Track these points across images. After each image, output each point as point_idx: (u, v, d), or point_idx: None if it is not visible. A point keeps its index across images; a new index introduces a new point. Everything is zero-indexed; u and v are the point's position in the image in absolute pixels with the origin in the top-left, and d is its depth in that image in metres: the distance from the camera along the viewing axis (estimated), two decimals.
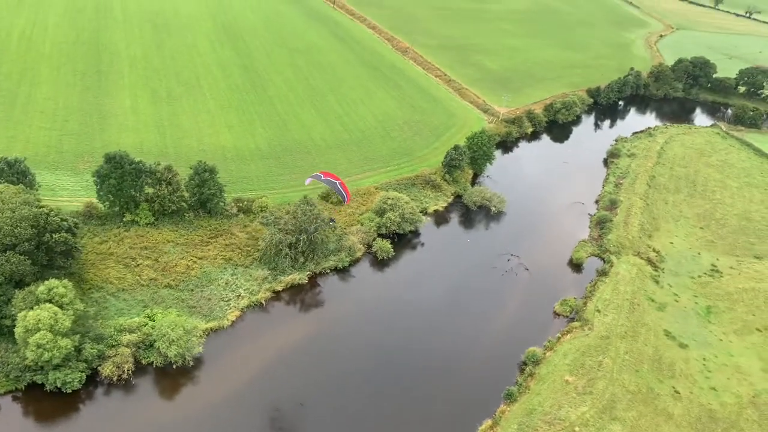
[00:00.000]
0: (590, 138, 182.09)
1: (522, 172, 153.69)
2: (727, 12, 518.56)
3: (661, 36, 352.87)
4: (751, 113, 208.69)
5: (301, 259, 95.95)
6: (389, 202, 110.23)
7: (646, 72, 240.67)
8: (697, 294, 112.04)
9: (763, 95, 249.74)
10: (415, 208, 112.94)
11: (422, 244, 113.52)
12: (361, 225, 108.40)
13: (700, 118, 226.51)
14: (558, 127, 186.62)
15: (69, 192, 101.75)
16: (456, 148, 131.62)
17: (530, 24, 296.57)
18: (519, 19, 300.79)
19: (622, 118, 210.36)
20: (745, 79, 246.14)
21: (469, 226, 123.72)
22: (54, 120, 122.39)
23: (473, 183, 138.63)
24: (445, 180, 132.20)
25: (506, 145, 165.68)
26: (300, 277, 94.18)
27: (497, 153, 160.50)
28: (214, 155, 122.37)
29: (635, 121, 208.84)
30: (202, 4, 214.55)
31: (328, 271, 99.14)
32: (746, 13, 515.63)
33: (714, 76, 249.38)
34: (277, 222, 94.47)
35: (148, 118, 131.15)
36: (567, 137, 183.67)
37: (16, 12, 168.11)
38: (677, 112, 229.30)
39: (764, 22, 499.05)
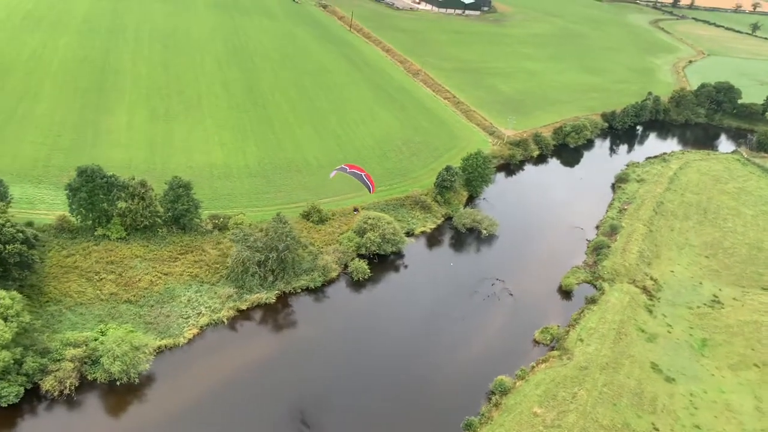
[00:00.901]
0: (601, 162, 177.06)
1: (522, 196, 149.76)
2: (765, 38, 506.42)
3: (690, 62, 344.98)
4: None
5: (271, 278, 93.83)
6: (369, 221, 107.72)
7: (667, 97, 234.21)
8: (693, 325, 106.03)
9: None
10: (397, 228, 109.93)
11: (404, 266, 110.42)
12: (339, 245, 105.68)
13: (724, 145, 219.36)
14: (568, 151, 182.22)
15: (47, 205, 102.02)
16: (448, 168, 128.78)
17: (551, 48, 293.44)
18: (540, 43, 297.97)
19: (638, 143, 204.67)
20: None
21: (455, 249, 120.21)
22: (47, 135, 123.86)
23: (468, 205, 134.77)
24: (437, 201, 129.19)
25: (509, 167, 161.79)
26: (267, 296, 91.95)
27: (500, 176, 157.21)
28: (201, 172, 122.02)
29: (652, 146, 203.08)
30: (216, 27, 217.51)
31: (300, 290, 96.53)
32: None
33: (739, 101, 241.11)
34: (246, 239, 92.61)
35: (142, 135, 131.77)
36: (577, 161, 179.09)
37: (31, 32, 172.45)
38: (699, 138, 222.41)
39: None
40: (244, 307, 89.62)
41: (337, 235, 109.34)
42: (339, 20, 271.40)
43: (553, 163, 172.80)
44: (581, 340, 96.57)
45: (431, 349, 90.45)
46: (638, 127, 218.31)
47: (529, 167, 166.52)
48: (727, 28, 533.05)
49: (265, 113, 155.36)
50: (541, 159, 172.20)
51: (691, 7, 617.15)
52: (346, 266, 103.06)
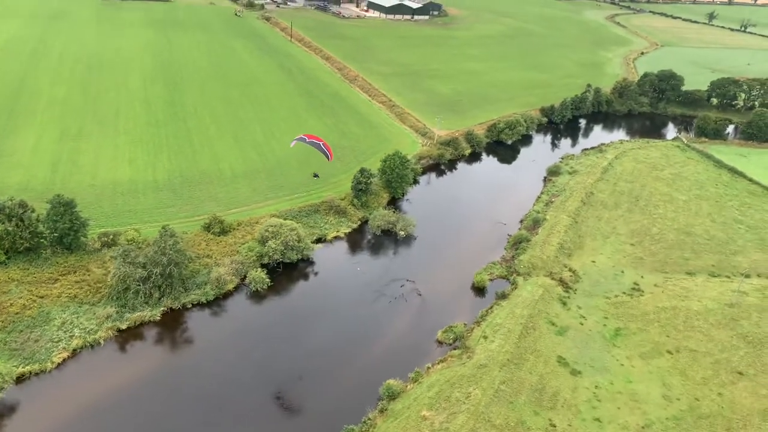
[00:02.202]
0: (537, 157, 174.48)
1: (449, 194, 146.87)
2: (722, 27, 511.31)
3: (642, 53, 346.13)
4: (714, 124, 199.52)
5: (157, 294, 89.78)
6: (271, 229, 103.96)
7: (610, 88, 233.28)
8: (608, 315, 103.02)
9: (738, 106, 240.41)
10: (301, 235, 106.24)
11: (314, 273, 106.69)
12: (238, 255, 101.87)
13: (669, 133, 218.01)
14: (504, 148, 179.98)
15: None
16: (362, 171, 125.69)
17: (498, 47, 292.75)
18: (487, 44, 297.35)
19: (579, 136, 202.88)
20: (717, 90, 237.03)
21: (369, 252, 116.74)
22: None
23: (390, 207, 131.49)
24: (353, 205, 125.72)
25: (439, 167, 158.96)
26: (152, 313, 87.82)
27: (430, 176, 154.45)
28: (104, 189, 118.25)
29: (593, 138, 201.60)
30: (148, 45, 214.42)
31: (191, 305, 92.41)
32: (741, 27, 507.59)
33: (683, 88, 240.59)
34: (127, 255, 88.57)
35: (47, 156, 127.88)
36: (512, 157, 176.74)
37: None
38: (642, 127, 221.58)
39: (759, 35, 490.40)
40: (124, 327, 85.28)
41: (240, 245, 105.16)
42: (281, 31, 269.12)
43: (487, 160, 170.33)
44: (485, 337, 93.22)
45: (326, 357, 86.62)
46: (580, 120, 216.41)
47: (461, 165, 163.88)
48: (684, 19, 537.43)
49: (185, 127, 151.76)
50: (474, 157, 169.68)
51: (649, 0, 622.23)
52: (244, 277, 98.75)
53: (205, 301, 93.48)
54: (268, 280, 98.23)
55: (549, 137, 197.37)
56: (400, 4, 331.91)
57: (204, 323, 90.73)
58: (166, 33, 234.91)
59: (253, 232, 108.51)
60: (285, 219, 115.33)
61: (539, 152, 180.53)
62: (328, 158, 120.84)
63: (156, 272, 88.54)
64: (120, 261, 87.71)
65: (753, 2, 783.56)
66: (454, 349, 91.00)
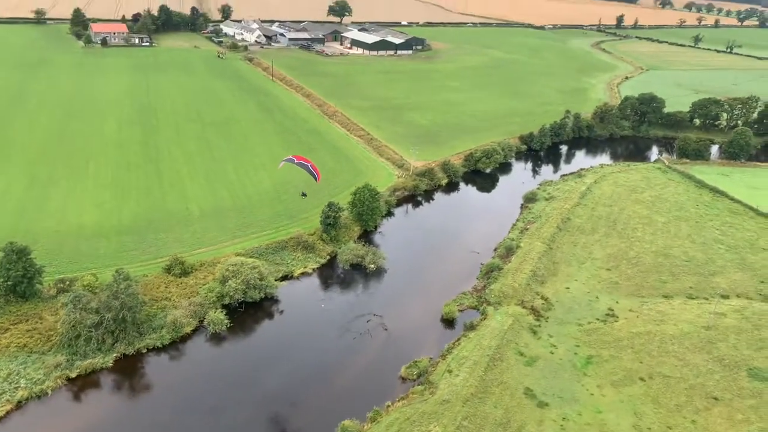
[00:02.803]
0: (515, 184, 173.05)
1: (423, 225, 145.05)
2: (708, 49, 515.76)
3: (626, 78, 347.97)
4: (695, 144, 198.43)
5: (110, 340, 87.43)
6: (231, 268, 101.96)
7: (590, 113, 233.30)
8: (579, 343, 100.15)
9: (721, 126, 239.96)
10: (264, 272, 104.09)
11: (274, 312, 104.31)
12: (197, 296, 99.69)
13: (651, 155, 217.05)
14: (482, 176, 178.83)
15: None
16: (330, 205, 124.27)
17: (479, 78, 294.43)
18: (468, 75, 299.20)
19: (558, 162, 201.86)
20: (699, 111, 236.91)
21: (336, 288, 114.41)
22: None
23: (362, 240, 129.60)
24: (323, 240, 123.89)
25: (415, 198, 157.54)
26: (103, 360, 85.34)
27: (405, 207, 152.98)
28: (68, 235, 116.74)
29: (574, 163, 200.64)
30: (127, 89, 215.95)
31: (145, 350, 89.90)
32: (727, 48, 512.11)
33: (665, 110, 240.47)
34: (78, 300, 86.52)
35: (13, 203, 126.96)
36: (491, 186, 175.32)
37: None
38: (625, 150, 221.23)
39: (746, 55, 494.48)
40: (74, 375, 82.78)
41: (201, 286, 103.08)
42: (263, 71, 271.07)
43: (464, 189, 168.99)
44: (449, 372, 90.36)
45: (283, 400, 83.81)
46: (561, 147, 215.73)
47: (437, 196, 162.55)
48: (671, 43, 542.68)
49: (157, 168, 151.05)
50: (451, 187, 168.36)
51: (635, 26, 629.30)
52: (202, 319, 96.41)
53: (160, 346, 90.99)
54: (226, 321, 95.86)
55: (529, 164, 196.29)
56: (382, 41, 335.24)
57: (158, 369, 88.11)
58: (147, 77, 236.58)
59: (214, 272, 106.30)
60: (251, 257, 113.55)
61: (518, 179, 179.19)
62: (315, 179, 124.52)
63: (108, 317, 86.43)
64: (70, 307, 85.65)
65: (739, 24, 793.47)
66: (418, 384, 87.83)
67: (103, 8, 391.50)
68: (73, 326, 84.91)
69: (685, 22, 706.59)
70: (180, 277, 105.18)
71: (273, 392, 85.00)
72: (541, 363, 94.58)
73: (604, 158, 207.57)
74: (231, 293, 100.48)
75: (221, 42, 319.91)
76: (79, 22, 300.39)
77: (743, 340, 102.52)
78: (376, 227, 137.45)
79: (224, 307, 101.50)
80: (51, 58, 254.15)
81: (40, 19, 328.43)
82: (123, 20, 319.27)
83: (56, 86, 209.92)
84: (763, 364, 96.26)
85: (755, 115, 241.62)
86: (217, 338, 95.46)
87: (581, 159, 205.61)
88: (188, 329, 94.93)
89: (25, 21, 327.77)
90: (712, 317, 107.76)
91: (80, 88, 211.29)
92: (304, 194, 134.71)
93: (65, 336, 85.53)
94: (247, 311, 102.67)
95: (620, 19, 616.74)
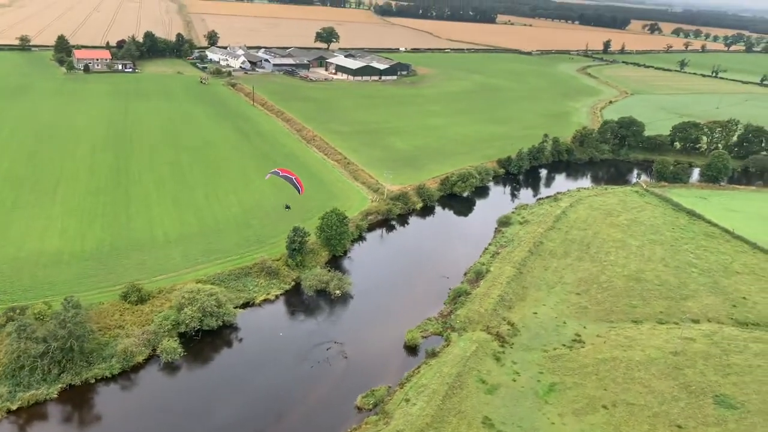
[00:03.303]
0: (490, 209, 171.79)
1: (394, 250, 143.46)
2: (694, 74, 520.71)
3: (610, 102, 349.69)
4: (673, 168, 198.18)
5: (56, 371, 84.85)
6: (187, 296, 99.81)
7: (570, 137, 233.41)
8: (543, 370, 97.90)
9: (702, 149, 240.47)
10: (221, 300, 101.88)
11: (232, 341, 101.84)
12: (151, 324, 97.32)
13: (631, 178, 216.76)
14: (458, 200, 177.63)
15: None
16: (295, 230, 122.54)
17: (461, 103, 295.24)
18: (451, 100, 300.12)
19: (536, 185, 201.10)
20: (679, 134, 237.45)
21: (298, 314, 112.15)
22: None
23: (331, 265, 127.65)
24: (288, 265, 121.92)
25: (388, 222, 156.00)
26: (48, 391, 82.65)
27: (379, 231, 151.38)
28: (26, 262, 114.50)
29: (552, 187, 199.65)
30: (104, 114, 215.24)
31: (93, 381, 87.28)
32: (712, 73, 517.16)
33: (646, 134, 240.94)
34: (23, 329, 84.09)
35: None
36: (468, 210, 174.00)
37: None
38: (604, 174, 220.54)
39: (730, 79, 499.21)
40: (15, 407, 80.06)
41: (157, 314, 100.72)
42: (245, 96, 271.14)
43: (439, 213, 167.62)
44: (407, 400, 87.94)
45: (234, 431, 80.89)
46: (540, 170, 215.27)
47: (411, 220, 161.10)
48: (657, 68, 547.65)
49: (126, 194, 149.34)
50: (426, 211, 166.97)
51: (622, 51, 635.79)
52: (155, 348, 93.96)
53: (109, 375, 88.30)
54: (180, 350, 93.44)
55: (506, 188, 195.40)
56: (366, 66, 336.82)
57: (106, 400, 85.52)
58: (127, 102, 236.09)
59: (171, 300, 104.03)
60: (212, 284, 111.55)
61: (494, 203, 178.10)
62: (299, 192, 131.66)
63: (55, 346, 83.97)
64: (14, 336, 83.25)
65: (726, 49, 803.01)
66: (374, 414, 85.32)
67: (90, 35, 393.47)
68: (17, 356, 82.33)
69: (671, 47, 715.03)
70: (136, 304, 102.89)
71: (223, 424, 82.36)
72: (503, 391, 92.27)
73: (583, 182, 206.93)
74: (187, 321, 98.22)
75: (205, 68, 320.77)
76: (63, 49, 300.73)
77: (711, 366, 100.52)
78: (345, 252, 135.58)
79: (180, 335, 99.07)
80: (31, 84, 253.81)
81: (24, 45, 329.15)
82: (107, 47, 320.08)
83: (33, 112, 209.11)
84: (729, 390, 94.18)
85: (735, 138, 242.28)
86: (170, 368, 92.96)
87: (559, 183, 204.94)
88: (140, 358, 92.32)
89: (9, 48, 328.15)
90: (681, 342, 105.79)
91: (57, 114, 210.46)
92: (287, 206, 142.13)
93: (8, 366, 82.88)
94: (204, 340, 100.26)
95: (607, 44, 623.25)
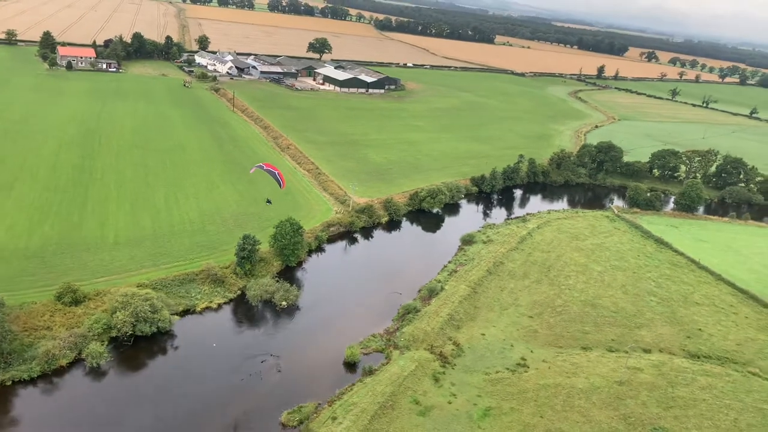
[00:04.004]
0: (457, 226, 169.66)
1: (351, 263, 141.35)
2: (684, 103, 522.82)
3: (596, 126, 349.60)
4: (647, 195, 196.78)
5: None
6: (120, 299, 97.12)
7: (547, 159, 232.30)
8: (482, 393, 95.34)
9: (680, 177, 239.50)
10: (156, 305, 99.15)
11: (165, 349, 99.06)
12: (80, 328, 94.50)
13: (605, 203, 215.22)
14: (426, 216, 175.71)
15: None
16: (245, 237, 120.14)
17: (445, 119, 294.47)
18: (435, 116, 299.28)
19: (509, 205, 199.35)
20: (657, 161, 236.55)
21: (238, 325, 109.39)
22: None
23: (283, 276, 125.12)
24: (236, 273, 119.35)
25: (350, 235, 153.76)
26: None
27: (340, 244, 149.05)
28: None
29: (524, 208, 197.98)
30: (78, 113, 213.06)
31: (9, 382, 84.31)
32: (703, 102, 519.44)
33: (625, 160, 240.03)
34: None
35: None
36: (435, 226, 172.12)
37: None
38: (578, 197, 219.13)
39: (720, 110, 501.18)
40: None
41: (89, 317, 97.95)
42: (227, 102, 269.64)
43: (404, 228, 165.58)
44: (333, 419, 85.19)
45: None
46: (515, 191, 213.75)
47: (375, 234, 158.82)
48: (649, 96, 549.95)
49: (84, 193, 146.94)
50: (391, 225, 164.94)
51: (616, 77, 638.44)
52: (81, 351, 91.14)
53: (28, 378, 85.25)
54: (106, 354, 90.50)
55: (478, 207, 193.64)
56: (354, 78, 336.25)
57: (19, 403, 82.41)
58: (103, 102, 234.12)
59: (107, 303, 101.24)
60: (154, 288, 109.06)
61: (463, 221, 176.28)
62: (280, 186, 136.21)
63: None
64: None
65: (720, 81, 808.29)
66: None
67: (82, 34, 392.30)
68: None
69: (666, 75, 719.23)
70: (70, 306, 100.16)
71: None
72: (436, 413, 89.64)
73: (556, 204, 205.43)
74: (119, 326, 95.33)
75: (191, 71, 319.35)
76: (48, 45, 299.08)
77: (654, 397, 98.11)
78: (300, 263, 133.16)
79: (112, 339, 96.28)
80: (9, 79, 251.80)
81: (11, 40, 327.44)
82: (94, 45, 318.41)
83: (5, 107, 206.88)
84: (669, 424, 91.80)
85: (713, 168, 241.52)
86: (95, 373, 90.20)
87: (532, 204, 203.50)
88: (64, 362, 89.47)
89: None
90: (627, 372, 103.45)
91: (29, 110, 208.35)
92: (269, 201, 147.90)
93: None
94: (137, 345, 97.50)
95: (601, 69, 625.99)
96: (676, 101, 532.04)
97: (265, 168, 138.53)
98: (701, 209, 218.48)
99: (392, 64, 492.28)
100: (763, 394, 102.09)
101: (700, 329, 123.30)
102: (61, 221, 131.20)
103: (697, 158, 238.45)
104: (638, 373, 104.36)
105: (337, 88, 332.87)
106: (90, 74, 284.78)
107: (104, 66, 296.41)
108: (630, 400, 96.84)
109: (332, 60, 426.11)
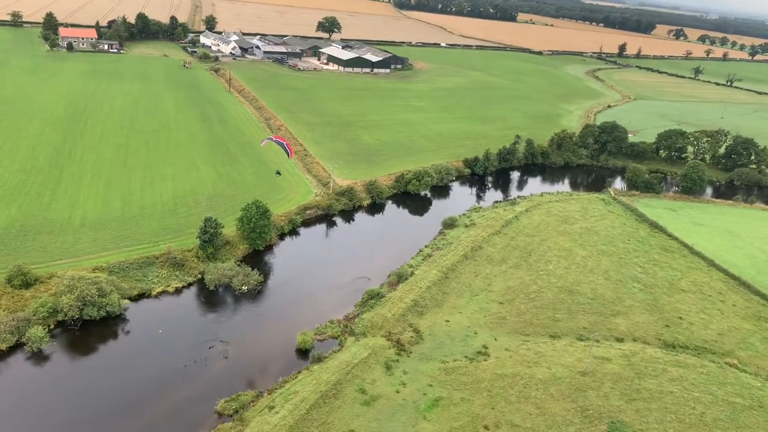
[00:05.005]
0: (443, 210, 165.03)
1: (324, 247, 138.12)
2: (708, 82, 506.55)
3: (609, 106, 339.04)
4: (646, 177, 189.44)
5: None
6: (67, 282, 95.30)
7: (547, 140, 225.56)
8: (433, 383, 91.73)
9: (688, 158, 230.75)
10: (105, 289, 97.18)
11: (111, 334, 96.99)
12: (26, 310, 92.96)
13: (605, 185, 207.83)
14: (412, 199, 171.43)
15: None
16: (207, 220, 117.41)
17: (449, 99, 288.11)
18: (438, 96, 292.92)
19: (500, 188, 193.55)
20: (663, 142, 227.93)
21: (193, 310, 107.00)
22: None
23: (252, 260, 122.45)
24: (198, 257, 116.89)
25: (328, 218, 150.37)
26: None
27: (316, 227, 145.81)
28: None
29: (516, 190, 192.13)
30: (69, 93, 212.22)
31: None
32: (727, 81, 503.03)
33: (629, 140, 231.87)
34: None
35: None
36: (417, 209, 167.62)
37: None
38: (578, 179, 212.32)
39: (745, 89, 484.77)
40: None
41: (36, 300, 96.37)
42: (225, 83, 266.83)
43: (386, 211, 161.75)
44: (271, 408, 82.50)
45: (78, 430, 76.16)
46: (512, 172, 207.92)
47: (357, 216, 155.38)
48: (670, 74, 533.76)
49: (59, 174, 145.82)
50: (373, 208, 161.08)
51: (638, 56, 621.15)
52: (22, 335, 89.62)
53: None
54: (47, 338, 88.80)
55: (469, 189, 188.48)
56: (358, 58, 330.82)
57: None
58: (98, 83, 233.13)
59: (55, 286, 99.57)
60: (111, 272, 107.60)
61: (450, 204, 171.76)
62: (288, 155, 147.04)
63: None
64: None
65: (750, 59, 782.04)
66: (231, 421, 79.95)
67: (92, 15, 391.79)
68: None
69: (691, 53, 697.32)
70: (20, 289, 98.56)
71: (69, 423, 77.49)
72: (382, 403, 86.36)
73: (552, 187, 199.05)
74: (65, 309, 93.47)
75: (194, 52, 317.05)
76: (51, 26, 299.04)
77: (618, 389, 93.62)
78: (270, 247, 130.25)
79: (60, 324, 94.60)
80: (8, 60, 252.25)
81: (16, 21, 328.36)
82: (97, 26, 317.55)
83: None
84: (628, 417, 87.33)
85: (723, 149, 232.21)
86: (36, 357, 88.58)
87: (526, 186, 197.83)
88: (4, 346, 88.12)
89: (1, 23, 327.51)
90: (593, 362, 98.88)
91: (22, 91, 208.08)
92: (278, 173, 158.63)
93: None
94: (85, 330, 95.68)
95: (622, 47, 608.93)
96: (699, 80, 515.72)
97: (274, 140, 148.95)
98: (709, 192, 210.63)
99: (404, 43, 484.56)
100: (737, 387, 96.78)
101: (680, 317, 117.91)
102: (30, 203, 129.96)
103: (705, 138, 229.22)
104: (605, 363, 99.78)
105: (341, 68, 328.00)
106: (89, 55, 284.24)
107: (105, 47, 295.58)
108: (591, 392, 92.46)
109: (342, 39, 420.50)
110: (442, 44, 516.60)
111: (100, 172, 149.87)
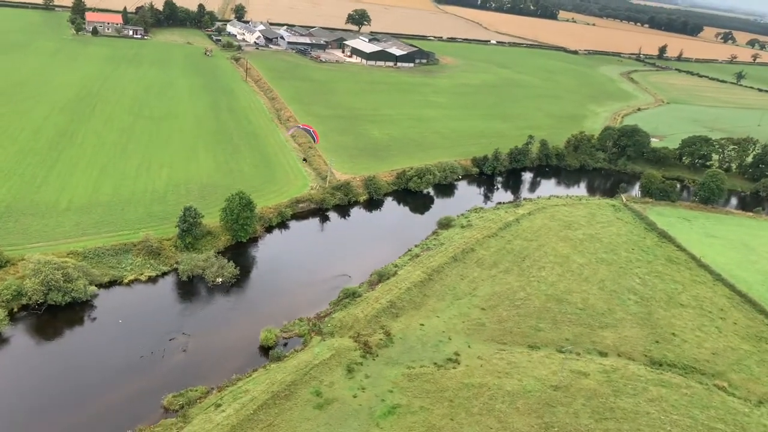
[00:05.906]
0: (444, 209, 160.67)
1: (311, 242, 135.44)
2: (750, 87, 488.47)
3: (638, 109, 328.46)
4: (661, 184, 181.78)
5: None
6: (31, 266, 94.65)
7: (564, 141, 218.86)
8: (394, 389, 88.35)
9: (713, 166, 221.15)
10: (71, 275, 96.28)
11: (75, 320, 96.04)
12: None
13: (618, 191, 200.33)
14: (412, 197, 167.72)
15: None
16: (186, 209, 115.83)
17: (471, 96, 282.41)
18: (461, 92, 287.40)
19: (507, 189, 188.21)
20: (686, 148, 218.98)
21: (162, 300, 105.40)
22: None
23: (234, 252, 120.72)
24: (176, 246, 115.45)
25: (321, 212, 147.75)
26: None
27: (307, 221, 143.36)
28: None
29: (525, 192, 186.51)
30: (84, 77, 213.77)
31: None
32: None
33: (651, 145, 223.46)
34: None
35: None
36: (416, 207, 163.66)
37: None
38: (592, 184, 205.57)
39: None
40: None
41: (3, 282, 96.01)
42: (243, 72, 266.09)
43: (384, 208, 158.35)
44: (217, 406, 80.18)
45: (14, 420, 75.11)
46: (523, 173, 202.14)
47: (352, 212, 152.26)
48: (711, 78, 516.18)
49: (57, 157, 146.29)
50: (370, 204, 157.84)
51: (679, 59, 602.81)
52: None
53: None
54: (5, 321, 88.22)
55: (476, 189, 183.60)
56: (381, 51, 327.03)
57: None
58: (115, 68, 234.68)
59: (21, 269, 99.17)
60: (85, 257, 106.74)
61: (452, 204, 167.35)
62: (315, 141, 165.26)
63: None
64: None
65: None
66: (173, 417, 77.94)
67: (121, 0, 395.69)
68: None
69: (736, 57, 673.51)
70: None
71: (6, 410, 76.49)
72: (335, 407, 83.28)
73: (563, 190, 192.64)
74: (29, 293, 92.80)
75: (219, 40, 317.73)
76: (79, 11, 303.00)
77: (591, 406, 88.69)
78: (255, 239, 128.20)
79: (24, 307, 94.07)
80: (32, 43, 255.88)
81: (48, 4, 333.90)
82: (124, 12, 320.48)
83: (12, 69, 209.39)
84: None
85: (750, 158, 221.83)
86: None
87: (536, 188, 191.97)
88: None
89: (34, 6, 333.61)
90: (568, 376, 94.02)
91: (38, 74, 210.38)
92: (305, 159, 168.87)
93: None
94: (49, 314, 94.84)
95: (662, 49, 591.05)
96: (741, 85, 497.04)
97: (301, 127, 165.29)
98: (734, 203, 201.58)
99: (436, 38, 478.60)
100: (721, 412, 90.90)
101: (673, 334, 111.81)
102: (22, 184, 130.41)
103: (731, 146, 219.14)
104: (581, 378, 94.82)
105: (364, 61, 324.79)
106: (113, 40, 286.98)
107: (130, 32, 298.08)
108: (561, 408, 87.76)
109: (371, 33, 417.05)
110: (492, 41, 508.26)
111: (98, 157, 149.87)
